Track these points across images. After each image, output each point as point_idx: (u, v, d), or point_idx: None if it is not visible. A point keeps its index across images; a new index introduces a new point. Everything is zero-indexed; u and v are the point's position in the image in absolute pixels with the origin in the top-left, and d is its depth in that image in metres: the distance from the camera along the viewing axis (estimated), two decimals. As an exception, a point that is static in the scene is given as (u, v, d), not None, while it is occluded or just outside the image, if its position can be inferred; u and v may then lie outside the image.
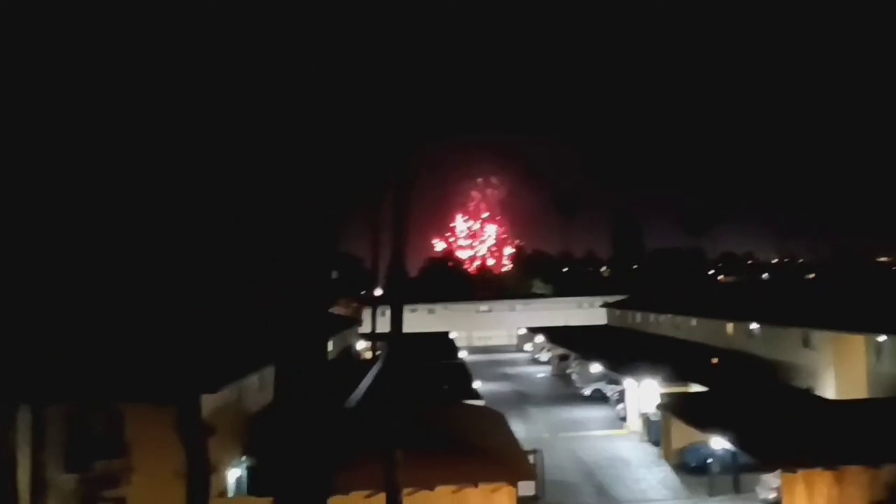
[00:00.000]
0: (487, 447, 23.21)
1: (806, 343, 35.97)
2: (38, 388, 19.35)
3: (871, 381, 32.13)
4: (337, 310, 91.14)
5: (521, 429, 36.45)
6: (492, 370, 64.65)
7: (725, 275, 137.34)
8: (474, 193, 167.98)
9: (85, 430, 20.71)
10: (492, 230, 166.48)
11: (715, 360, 41.29)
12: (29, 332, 20.26)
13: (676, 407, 30.51)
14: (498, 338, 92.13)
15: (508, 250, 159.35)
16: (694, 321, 52.25)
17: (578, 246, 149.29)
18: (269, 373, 20.65)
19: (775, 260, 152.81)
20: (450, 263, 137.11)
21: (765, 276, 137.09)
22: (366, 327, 68.81)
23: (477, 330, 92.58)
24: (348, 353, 55.78)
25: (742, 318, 44.16)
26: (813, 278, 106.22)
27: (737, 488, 26.76)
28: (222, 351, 24.94)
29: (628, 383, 38.33)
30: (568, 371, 56.40)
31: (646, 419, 35.44)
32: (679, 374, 36.23)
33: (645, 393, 35.71)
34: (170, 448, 19.49)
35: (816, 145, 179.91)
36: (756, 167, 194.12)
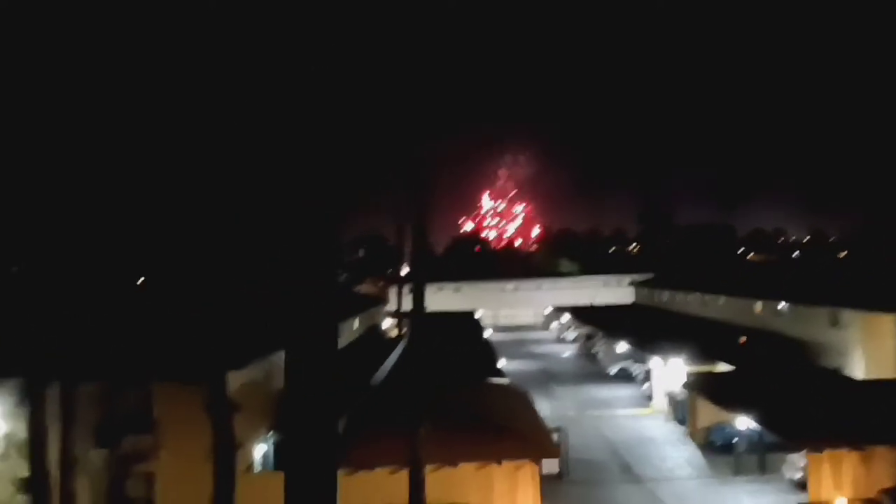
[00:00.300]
0: (511, 425, 23.29)
1: (834, 322, 35.58)
2: (68, 365, 19.68)
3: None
4: (364, 288, 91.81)
5: (547, 407, 36.51)
6: (517, 349, 64.66)
7: (755, 253, 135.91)
8: (501, 172, 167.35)
9: (114, 408, 21.10)
10: (519, 209, 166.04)
11: (742, 339, 40.97)
12: (61, 312, 20.59)
13: (702, 386, 30.37)
14: (524, 316, 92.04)
15: (536, 230, 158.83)
16: (722, 300, 51.85)
17: (607, 223, 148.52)
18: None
19: (806, 238, 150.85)
20: (476, 242, 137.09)
21: (795, 253, 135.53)
22: (392, 305, 69.38)
23: (503, 308, 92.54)
24: (374, 331, 56.11)
25: (770, 296, 43.75)
26: (844, 256, 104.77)
27: (762, 468, 26.62)
28: (249, 329, 25.18)
29: (654, 362, 38.18)
30: (594, 350, 56.27)
31: (672, 398, 35.33)
32: (706, 353, 36.01)
33: (671, 372, 35.56)
34: (197, 425, 19.76)
35: (850, 119, 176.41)
36: (789, 142, 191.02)
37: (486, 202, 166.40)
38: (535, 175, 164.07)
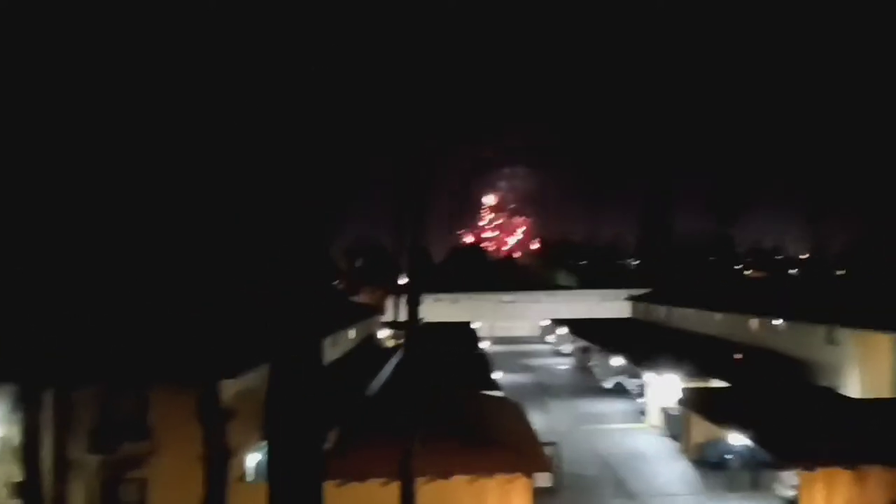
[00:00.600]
0: (505, 438, 23.30)
1: (830, 340, 35.63)
2: (63, 370, 19.73)
3: (895, 379, 31.79)
4: (361, 297, 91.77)
5: (541, 420, 36.52)
6: (513, 361, 64.68)
7: (753, 269, 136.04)
8: (501, 183, 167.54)
9: (109, 413, 21.13)
10: (518, 220, 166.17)
11: (738, 356, 40.98)
12: (56, 316, 20.65)
13: (697, 402, 30.38)
14: (521, 328, 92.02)
15: (534, 243, 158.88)
16: (718, 316, 51.92)
17: (605, 235, 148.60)
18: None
19: (804, 255, 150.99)
20: (475, 253, 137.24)
21: (793, 270, 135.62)
22: (389, 315, 69.44)
23: (500, 320, 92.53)
24: (371, 341, 56.09)
25: (766, 314, 43.81)
26: (842, 274, 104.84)
27: (755, 485, 26.66)
28: (245, 335, 25.22)
29: (649, 377, 38.19)
30: (590, 364, 56.32)
31: (666, 414, 35.34)
32: (700, 369, 36.04)
33: (666, 387, 35.57)
34: (192, 432, 19.81)
35: (852, 134, 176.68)
36: (790, 156, 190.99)
37: (486, 213, 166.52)
38: (535, 187, 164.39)
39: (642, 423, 38.21)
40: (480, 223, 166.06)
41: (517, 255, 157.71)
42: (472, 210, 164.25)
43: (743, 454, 27.11)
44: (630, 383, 44.95)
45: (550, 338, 79.08)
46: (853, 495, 21.37)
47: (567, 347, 68.92)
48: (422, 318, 19.58)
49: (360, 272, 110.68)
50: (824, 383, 34.50)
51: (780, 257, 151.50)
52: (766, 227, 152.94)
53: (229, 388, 20.96)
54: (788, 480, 24.34)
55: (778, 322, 41.55)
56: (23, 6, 16.92)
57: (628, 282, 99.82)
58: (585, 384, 51.67)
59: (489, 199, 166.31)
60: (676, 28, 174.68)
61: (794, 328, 39.70)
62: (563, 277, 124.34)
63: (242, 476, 22.23)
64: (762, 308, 46.47)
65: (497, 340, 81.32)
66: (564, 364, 63.41)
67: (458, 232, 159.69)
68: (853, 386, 33.18)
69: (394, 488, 18.56)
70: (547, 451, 25.20)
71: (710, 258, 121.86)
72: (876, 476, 21.44)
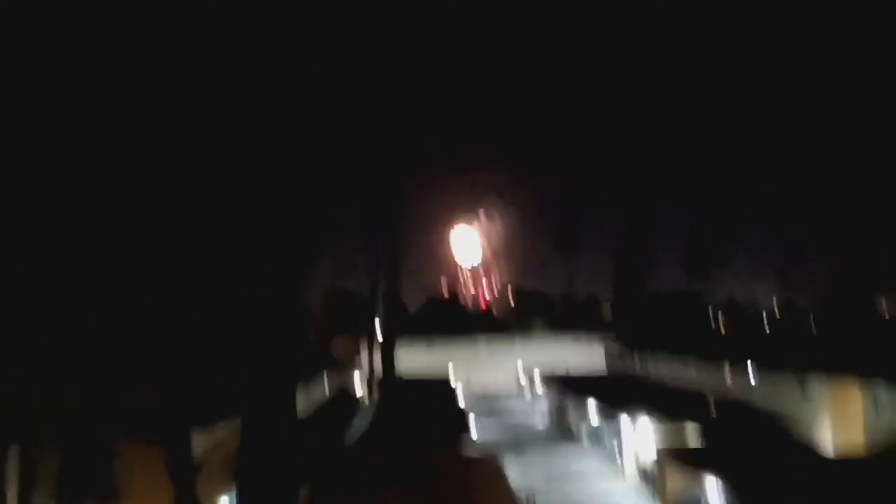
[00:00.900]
0: (481, 495, 22.99)
1: (803, 392, 35.78)
2: (27, 422, 19.27)
3: (868, 431, 31.90)
4: (335, 346, 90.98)
5: (516, 471, 36.13)
6: (487, 406, 64.37)
7: (726, 321, 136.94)
8: (474, 230, 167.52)
9: (76, 466, 20.59)
10: (493, 270, 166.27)
11: (713, 407, 41.02)
12: (18, 365, 20.21)
13: (673, 453, 30.29)
14: (496, 375, 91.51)
15: (507, 290, 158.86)
16: (693, 366, 52.03)
17: (579, 284, 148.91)
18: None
19: (776, 306, 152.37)
20: (450, 301, 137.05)
21: (765, 322, 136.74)
22: (363, 366, 68.81)
23: (475, 367, 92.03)
24: (344, 391, 55.49)
25: (740, 364, 43.98)
26: (813, 326, 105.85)
27: (732, 538, 26.43)
28: (213, 388, 24.84)
29: (625, 427, 38.05)
30: (565, 414, 55.99)
31: (642, 464, 35.15)
32: (677, 419, 35.98)
33: (641, 438, 35.46)
34: (160, 485, 19.35)
35: (826, 185, 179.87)
36: (763, 208, 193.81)
37: (461, 261, 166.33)
38: (509, 237, 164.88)
39: (618, 474, 37.95)
40: (454, 270, 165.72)
41: (494, 310, 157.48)
42: (447, 258, 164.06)
43: (719, 505, 26.95)
44: (606, 433, 44.71)
45: (525, 384, 78.77)
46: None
47: (541, 395, 68.60)
48: (397, 370, 19.44)
49: (334, 321, 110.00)
50: (799, 436, 34.55)
51: (752, 310, 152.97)
52: (737, 281, 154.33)
53: (199, 441, 20.57)
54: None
55: (752, 373, 41.70)
56: (22, 6, 16.88)
57: (603, 331, 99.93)
58: (560, 433, 51.39)
59: (464, 246, 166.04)
60: (645, 82, 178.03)
61: (768, 380, 39.83)
62: (537, 325, 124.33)
63: (211, 531, 21.71)
64: (737, 360, 46.66)
65: (471, 387, 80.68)
66: (539, 412, 63.08)
67: (433, 279, 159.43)
68: (826, 438, 33.26)
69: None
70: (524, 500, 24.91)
71: (683, 310, 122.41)
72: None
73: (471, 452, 31.25)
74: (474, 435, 38.32)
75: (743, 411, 39.73)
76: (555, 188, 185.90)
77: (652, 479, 32.89)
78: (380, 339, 44.20)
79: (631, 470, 36.64)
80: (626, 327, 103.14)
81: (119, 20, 17.20)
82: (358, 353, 77.30)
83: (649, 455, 33.29)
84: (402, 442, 19.38)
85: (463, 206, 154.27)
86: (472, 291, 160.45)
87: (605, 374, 71.80)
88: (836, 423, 33.22)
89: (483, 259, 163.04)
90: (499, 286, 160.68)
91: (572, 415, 52.96)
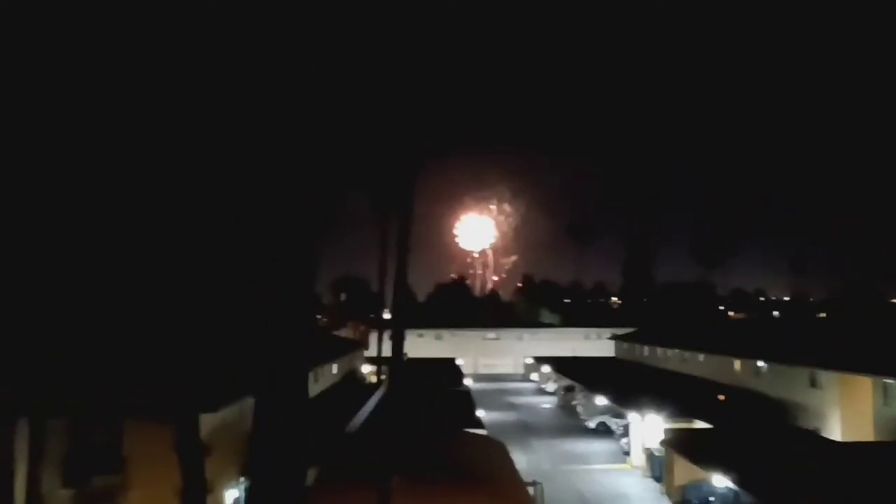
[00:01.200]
0: (487, 478, 23.00)
1: (813, 383, 35.68)
2: (37, 400, 19.37)
3: (877, 423, 31.79)
4: (344, 332, 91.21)
5: (524, 460, 36.18)
6: (497, 398, 64.29)
7: (735, 311, 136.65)
8: (486, 219, 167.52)
9: (84, 445, 20.71)
10: (504, 259, 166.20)
11: (721, 397, 40.96)
12: (28, 344, 20.32)
13: (680, 443, 30.22)
14: (504, 366, 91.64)
15: (519, 281, 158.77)
16: (701, 357, 51.94)
17: (589, 275, 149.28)
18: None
19: (787, 298, 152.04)
20: (460, 289, 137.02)
21: (775, 313, 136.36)
22: (372, 351, 68.94)
23: (483, 357, 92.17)
24: (353, 376, 55.63)
25: (749, 355, 43.86)
26: (824, 317, 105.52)
27: (738, 528, 26.41)
28: (225, 368, 24.92)
29: (633, 417, 38.02)
30: (573, 403, 56.04)
31: (649, 454, 35.13)
32: (684, 409, 35.94)
33: (649, 428, 35.41)
34: (168, 465, 19.40)
35: (835, 179, 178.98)
36: (773, 200, 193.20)
37: (470, 246, 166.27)
38: (520, 226, 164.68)
39: (625, 464, 37.96)
40: (466, 258, 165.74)
41: (501, 292, 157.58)
42: (457, 245, 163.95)
43: (726, 496, 26.90)
44: (614, 423, 44.73)
45: (534, 376, 78.70)
46: (836, 540, 21.18)
47: (551, 386, 68.63)
48: (405, 354, 19.44)
49: (343, 307, 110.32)
50: (807, 426, 34.48)
51: (762, 300, 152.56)
52: (749, 271, 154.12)
53: (208, 422, 20.62)
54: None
55: (761, 364, 41.59)
56: (22, 6, 16.85)
57: (612, 321, 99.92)
58: (569, 423, 51.36)
59: (475, 234, 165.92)
60: (659, 71, 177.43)
61: (776, 370, 39.74)
62: (546, 315, 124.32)
63: (219, 512, 21.81)
64: (745, 350, 46.54)
65: (480, 377, 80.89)
66: (548, 402, 63.07)
67: (444, 266, 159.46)
68: (835, 429, 33.17)
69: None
70: (530, 490, 24.91)
71: (693, 300, 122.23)
72: (859, 520, 21.28)
73: (476, 433, 31.28)
74: (480, 414, 38.37)
75: (751, 402, 39.65)
76: (567, 176, 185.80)
77: (660, 472, 32.85)
78: (389, 324, 44.10)
79: (639, 461, 36.63)
80: (636, 316, 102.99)
81: (119, 20, 17.17)
82: (367, 338, 77.51)
83: (657, 447, 33.25)
84: (410, 424, 19.40)
85: (473, 193, 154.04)
86: (481, 275, 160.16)
87: (613, 363, 71.72)
88: (845, 414, 33.13)
89: (492, 243, 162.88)
90: (508, 268, 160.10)
91: (580, 406, 52.99)
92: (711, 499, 27.37)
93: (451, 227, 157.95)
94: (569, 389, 58.86)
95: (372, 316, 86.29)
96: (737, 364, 45.39)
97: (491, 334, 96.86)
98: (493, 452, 27.83)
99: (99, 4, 17.27)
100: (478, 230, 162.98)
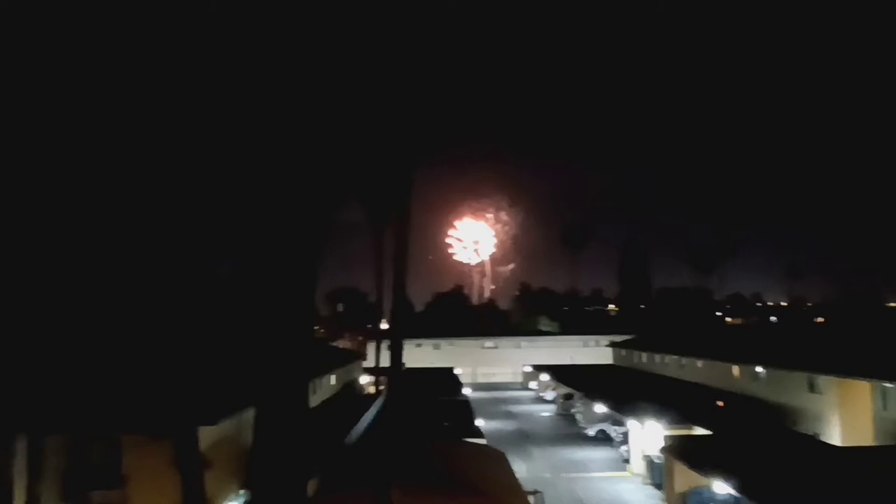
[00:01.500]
0: (487, 487, 22.95)
1: (811, 388, 35.70)
2: (36, 416, 19.31)
3: (876, 428, 31.79)
4: (342, 343, 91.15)
5: (523, 468, 36.11)
6: (495, 407, 64.19)
7: (733, 316, 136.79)
8: (481, 224, 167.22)
9: (83, 460, 20.66)
10: (501, 267, 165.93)
11: (720, 403, 40.94)
12: (27, 360, 20.25)
13: (680, 450, 30.17)
14: (503, 374, 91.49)
15: (515, 288, 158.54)
16: (699, 363, 51.94)
17: (585, 282, 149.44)
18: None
19: (784, 302, 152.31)
20: (456, 299, 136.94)
21: (772, 318, 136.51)
22: (370, 361, 68.82)
23: (482, 366, 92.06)
24: (352, 387, 55.55)
25: (748, 360, 43.87)
26: (821, 322, 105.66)
27: (740, 534, 26.36)
28: (222, 382, 24.87)
29: (632, 425, 37.98)
30: (572, 410, 55.98)
31: (649, 461, 35.08)
32: (683, 416, 35.91)
33: (649, 435, 35.37)
34: (167, 480, 19.38)
35: (832, 184, 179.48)
36: (769, 205, 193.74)
37: (467, 256, 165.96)
38: (518, 234, 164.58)
39: (625, 472, 37.89)
40: (463, 267, 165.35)
41: (499, 301, 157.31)
42: (453, 256, 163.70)
43: (726, 503, 26.86)
44: (613, 430, 44.67)
45: (532, 384, 78.62)
46: (838, 545, 21.16)
47: (549, 394, 68.54)
48: (403, 364, 19.38)
49: (341, 318, 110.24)
50: (806, 431, 34.47)
51: (759, 305, 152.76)
52: (746, 276, 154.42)
53: (208, 435, 20.59)
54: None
55: (759, 369, 41.61)
56: (23, 6, 16.84)
57: (610, 328, 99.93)
58: (568, 431, 51.28)
59: (471, 243, 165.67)
60: (654, 75, 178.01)
61: (775, 375, 39.75)
62: (544, 323, 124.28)
63: (219, 526, 21.74)
64: (743, 355, 46.57)
65: (479, 386, 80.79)
66: (547, 411, 62.97)
67: (441, 275, 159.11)
68: (835, 433, 33.17)
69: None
70: (530, 500, 24.85)
71: (691, 306, 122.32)
72: (860, 525, 21.27)
73: (476, 443, 31.23)
74: (479, 423, 38.30)
75: (750, 408, 39.64)
76: (564, 184, 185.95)
77: (660, 479, 32.80)
78: (386, 334, 44.02)
79: (639, 469, 36.58)
80: (634, 323, 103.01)
81: (121, 21, 17.17)
82: (365, 348, 77.45)
83: (656, 454, 33.22)
84: (409, 434, 19.37)
85: (470, 202, 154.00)
86: (478, 284, 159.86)
87: (612, 370, 71.67)
88: (845, 419, 33.14)
89: (489, 252, 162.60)
90: (507, 275, 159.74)
91: (579, 413, 52.93)
92: (712, 505, 27.32)
93: (448, 237, 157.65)
94: (567, 397, 58.81)
95: (369, 326, 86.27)
96: (735, 370, 45.40)
97: (489, 343, 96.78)
98: (493, 462, 27.78)
99: (101, 4, 17.23)
100: (475, 240, 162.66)
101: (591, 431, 47.57)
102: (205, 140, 17.54)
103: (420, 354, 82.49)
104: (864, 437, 31.84)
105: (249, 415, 24.79)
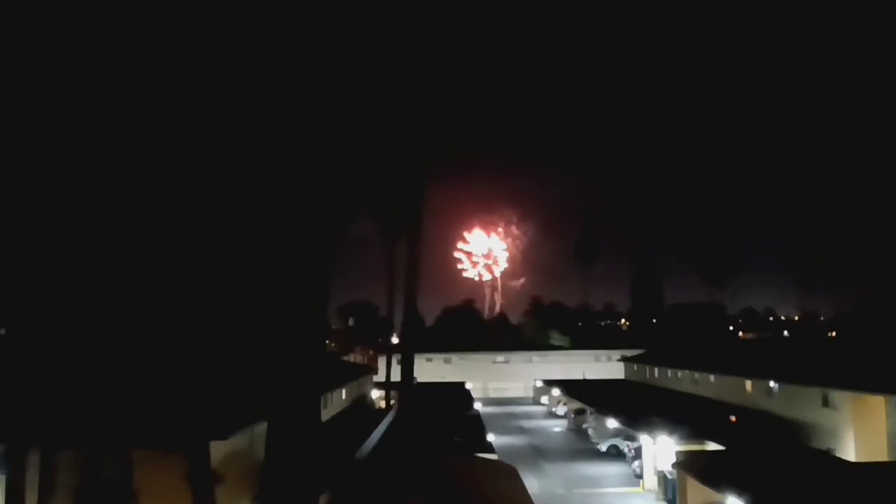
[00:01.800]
0: (499, 502, 22.85)
1: (825, 403, 35.40)
2: (48, 431, 19.37)
3: (891, 443, 31.45)
4: (353, 357, 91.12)
5: (535, 484, 35.93)
6: (507, 422, 63.97)
7: (745, 331, 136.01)
8: (492, 238, 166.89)
9: (94, 475, 20.67)
10: (513, 282, 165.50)
11: (733, 419, 40.65)
12: (39, 375, 20.35)
13: (693, 465, 29.95)
14: (514, 389, 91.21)
15: (526, 302, 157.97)
16: (712, 377, 51.62)
17: (597, 297, 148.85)
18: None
19: (796, 317, 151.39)
20: (467, 313, 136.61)
21: (785, 333, 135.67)
22: (381, 375, 68.79)
23: (493, 381, 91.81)
24: (363, 401, 55.46)
25: (761, 375, 43.57)
26: (834, 336, 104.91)
27: (754, 551, 26.09)
28: (234, 396, 24.89)
29: (645, 440, 37.76)
30: (584, 426, 55.72)
31: (662, 477, 34.84)
32: (696, 431, 35.68)
33: (661, 450, 35.15)
34: (178, 495, 19.38)
35: (845, 195, 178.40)
36: (781, 218, 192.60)
37: (477, 270, 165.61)
38: (528, 248, 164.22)
39: (638, 487, 37.64)
40: (474, 280, 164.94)
41: (510, 315, 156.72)
42: (464, 271, 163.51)
43: (740, 519, 26.61)
44: (625, 446, 44.43)
45: (544, 399, 78.30)
46: (854, 562, 20.95)
47: (561, 409, 68.24)
48: (415, 379, 19.40)
49: (352, 332, 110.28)
50: (820, 446, 34.17)
51: (771, 319, 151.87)
52: (758, 290, 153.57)
53: (219, 450, 20.59)
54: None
55: (772, 384, 41.32)
56: (24, 6, 16.98)
57: (621, 343, 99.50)
58: (580, 446, 51.03)
59: (482, 257, 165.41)
60: (664, 87, 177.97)
61: (788, 390, 39.46)
62: (555, 338, 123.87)
63: (230, 541, 21.68)
64: (756, 370, 46.25)
65: (490, 401, 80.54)
66: (558, 426, 62.69)
67: (451, 290, 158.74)
68: (849, 449, 32.86)
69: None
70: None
71: (703, 321, 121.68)
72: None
73: (487, 457, 31.12)
74: (491, 438, 38.17)
75: (763, 423, 39.34)
76: (575, 198, 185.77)
77: (673, 494, 32.56)
78: (397, 348, 44.05)
79: (651, 484, 36.34)
80: (645, 337, 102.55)
81: (120, 21, 17.29)
82: (376, 362, 77.38)
83: (669, 469, 33.00)
84: (420, 449, 19.31)
85: (480, 216, 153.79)
86: (489, 298, 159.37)
87: (624, 385, 71.32)
88: (859, 434, 32.84)
89: (501, 270, 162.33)
90: (517, 289, 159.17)
91: (591, 429, 52.67)
92: (726, 521, 27.05)
93: (458, 251, 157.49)
94: (579, 412, 58.55)
95: (380, 340, 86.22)
96: (748, 385, 45.08)
97: (500, 358, 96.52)
98: (505, 477, 27.66)
99: (103, 4, 17.37)
100: (486, 255, 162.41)
101: (604, 447, 47.32)
102: (223, 158, 17.66)
103: (431, 369, 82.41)
104: (879, 452, 31.48)
105: (261, 429, 24.81)
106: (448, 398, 56.84)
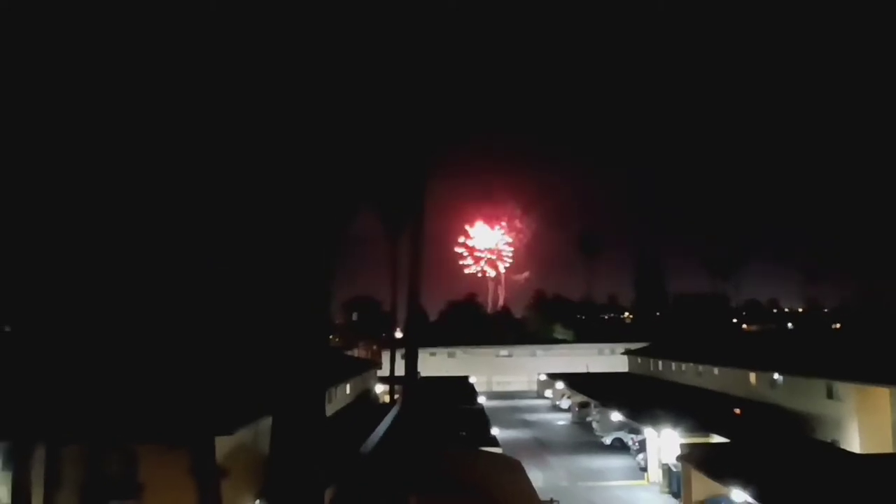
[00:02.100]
0: (503, 496, 22.89)
1: (830, 394, 35.37)
2: (53, 426, 19.41)
3: (896, 436, 31.47)
4: (357, 352, 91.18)
5: (539, 477, 35.95)
6: (511, 416, 64.00)
7: (749, 323, 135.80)
8: (496, 232, 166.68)
9: (99, 470, 20.72)
10: (517, 276, 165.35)
11: (737, 411, 40.63)
12: (44, 371, 20.38)
13: (697, 458, 29.96)
14: (518, 383, 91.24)
15: (530, 295, 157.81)
16: (716, 370, 51.59)
17: (601, 290, 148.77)
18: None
19: (801, 308, 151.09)
20: (470, 307, 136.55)
21: (789, 324, 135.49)
22: (385, 370, 68.87)
23: (497, 375, 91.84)
24: (367, 396, 55.52)
25: (765, 367, 43.53)
26: (839, 328, 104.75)
27: (759, 543, 26.10)
28: (238, 391, 24.92)
29: (649, 433, 37.76)
30: (588, 419, 55.73)
31: (666, 470, 34.85)
32: (700, 424, 35.67)
33: (666, 443, 35.16)
34: (183, 490, 19.42)
35: (850, 188, 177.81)
36: (785, 210, 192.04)
37: (480, 264, 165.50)
38: (531, 242, 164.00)
39: (642, 480, 37.65)
40: (477, 274, 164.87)
41: (514, 308, 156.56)
42: (468, 266, 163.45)
43: (745, 511, 26.60)
44: (629, 439, 44.44)
45: (548, 392, 78.31)
46: (859, 553, 20.95)
47: (565, 402, 68.24)
48: (418, 373, 19.42)
49: (355, 326, 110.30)
50: (825, 438, 34.15)
51: (775, 311, 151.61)
52: (761, 282, 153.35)
53: (224, 445, 20.62)
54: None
55: (777, 376, 41.28)
56: (27, 6, 16.98)
57: (625, 336, 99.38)
58: (584, 440, 51.03)
59: (485, 251, 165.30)
60: (663, 82, 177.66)
61: (793, 382, 39.43)
62: (559, 331, 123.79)
63: (235, 536, 21.73)
64: (761, 362, 46.21)
65: (494, 395, 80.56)
66: (562, 419, 62.70)
67: (454, 284, 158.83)
68: (853, 440, 32.84)
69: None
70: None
71: (707, 313, 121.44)
72: (881, 533, 21.05)
73: (492, 451, 31.14)
74: (495, 432, 38.19)
75: (768, 415, 39.32)
76: (578, 191, 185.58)
77: (677, 487, 32.57)
78: (401, 342, 44.03)
79: (656, 477, 36.35)
80: (649, 330, 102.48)
81: (122, 21, 17.27)
82: (379, 357, 77.40)
83: (674, 462, 33.00)
84: (424, 443, 19.33)
85: (484, 210, 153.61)
86: (492, 292, 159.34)
87: (628, 378, 71.32)
88: (864, 426, 32.81)
89: (505, 266, 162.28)
90: (521, 283, 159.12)
91: (595, 422, 52.67)
92: (730, 514, 27.05)
93: (461, 246, 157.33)
94: (583, 406, 58.57)
95: (384, 335, 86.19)
96: (752, 377, 45.04)
97: (504, 351, 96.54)
98: (509, 470, 27.70)
99: (105, 5, 17.34)
100: (487, 244, 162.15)
101: (608, 440, 47.32)
102: (226, 156, 17.66)
103: (435, 363, 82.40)
104: (884, 444, 31.47)
105: (266, 424, 24.83)
106: (452, 392, 56.89)
